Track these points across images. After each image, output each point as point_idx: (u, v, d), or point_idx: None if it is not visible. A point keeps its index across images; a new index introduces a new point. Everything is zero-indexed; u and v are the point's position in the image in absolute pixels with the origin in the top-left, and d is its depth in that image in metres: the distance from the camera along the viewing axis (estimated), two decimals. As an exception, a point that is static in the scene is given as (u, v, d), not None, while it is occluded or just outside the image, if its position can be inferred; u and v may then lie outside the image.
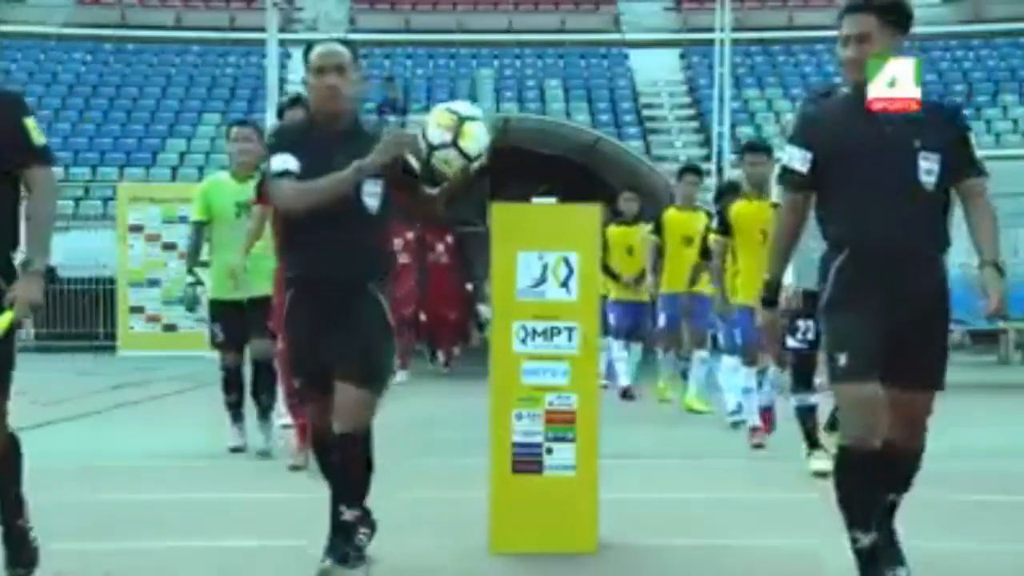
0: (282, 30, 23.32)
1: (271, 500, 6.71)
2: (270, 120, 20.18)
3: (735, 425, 9.36)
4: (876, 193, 4.42)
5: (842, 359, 4.37)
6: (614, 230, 12.21)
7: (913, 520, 4.84)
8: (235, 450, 8.32)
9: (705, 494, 6.91)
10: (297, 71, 29.86)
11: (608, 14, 33.01)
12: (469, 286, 16.62)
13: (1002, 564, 5.26)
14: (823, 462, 6.96)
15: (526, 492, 5.37)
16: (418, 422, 10.45)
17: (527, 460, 5.38)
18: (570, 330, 5.38)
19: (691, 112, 28.55)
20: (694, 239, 10.52)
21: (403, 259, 13.38)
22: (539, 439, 5.37)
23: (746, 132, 26.24)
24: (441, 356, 16.07)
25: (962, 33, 30.65)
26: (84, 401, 11.80)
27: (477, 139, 4.98)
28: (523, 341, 5.38)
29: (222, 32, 31.37)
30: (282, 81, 25.23)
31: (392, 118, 27.61)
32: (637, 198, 12.87)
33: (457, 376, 15.15)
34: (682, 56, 30.66)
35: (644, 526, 5.94)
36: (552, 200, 5.80)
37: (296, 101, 9.67)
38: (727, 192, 9.53)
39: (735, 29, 24.37)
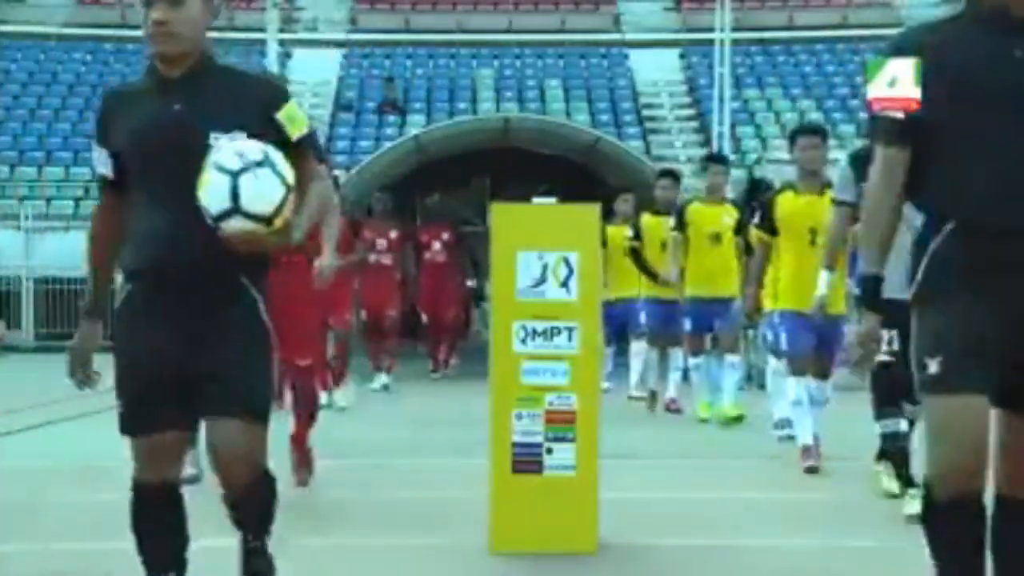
0: (282, 30, 23.35)
1: (271, 500, 6.69)
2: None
3: (783, 440, 8.45)
4: (1008, 151, 3.35)
5: (933, 365, 3.33)
6: (650, 220, 11.20)
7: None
8: None
9: (705, 494, 6.91)
10: (297, 71, 29.93)
11: (608, 14, 33.00)
12: (470, 283, 16.24)
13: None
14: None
15: (526, 492, 5.37)
16: (418, 422, 10.45)
17: (527, 460, 5.37)
18: (570, 330, 5.37)
19: (691, 112, 28.54)
20: (722, 236, 9.98)
21: (384, 260, 13.19)
22: (539, 439, 5.37)
23: (746, 132, 26.29)
24: (441, 356, 15.23)
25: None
26: (84, 401, 11.76)
27: (263, 195, 3.59)
28: (523, 341, 5.37)
29: (222, 32, 31.30)
30: (282, 81, 25.23)
31: (392, 118, 27.63)
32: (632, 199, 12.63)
33: (457, 376, 15.13)
34: (682, 56, 30.64)
35: (644, 526, 5.94)
36: (552, 200, 5.80)
37: None
38: (761, 188, 9.14)
39: (735, 29, 24.37)
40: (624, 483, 6.46)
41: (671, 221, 10.34)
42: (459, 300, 15.89)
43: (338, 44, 31.60)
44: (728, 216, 10.05)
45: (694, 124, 27.96)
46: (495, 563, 5.25)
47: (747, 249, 9.31)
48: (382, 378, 13.20)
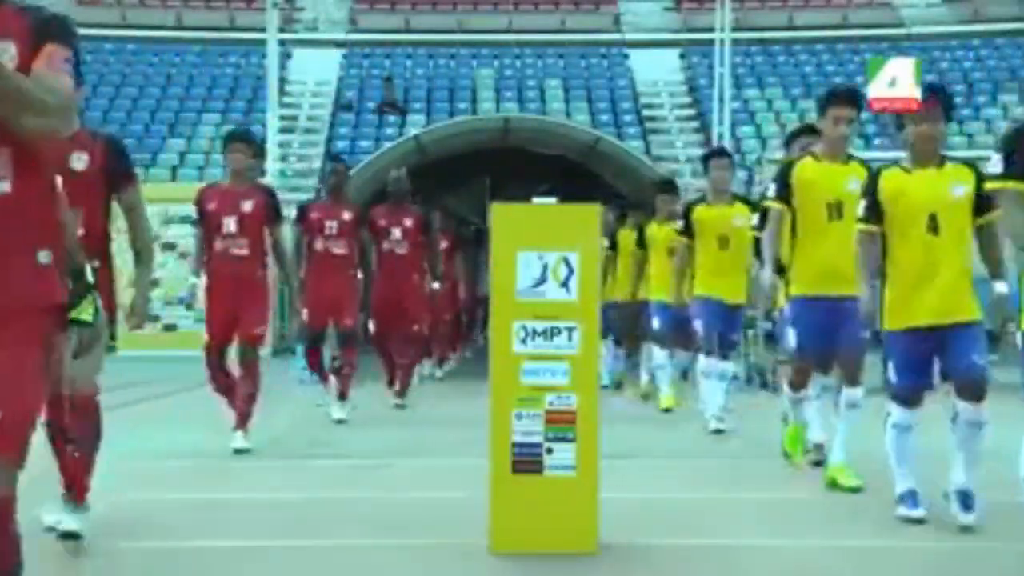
0: (282, 30, 23.33)
1: (271, 500, 6.71)
2: (271, 120, 20.23)
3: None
4: None
5: None
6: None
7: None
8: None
9: (705, 494, 6.91)
10: (297, 71, 29.94)
11: (608, 14, 33.01)
12: (435, 284, 12.35)
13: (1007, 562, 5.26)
14: None
15: (526, 492, 5.37)
16: (418, 422, 10.46)
17: (527, 460, 5.37)
18: (570, 330, 5.37)
19: (691, 112, 28.55)
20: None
21: (338, 249, 10.20)
22: (539, 439, 5.37)
23: (746, 132, 26.29)
24: (398, 375, 11.59)
25: (962, 33, 30.66)
26: (84, 401, 11.78)
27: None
28: (523, 341, 5.37)
29: (222, 32, 31.37)
30: (282, 81, 25.26)
31: (392, 118, 27.65)
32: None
33: (457, 376, 15.15)
34: (682, 56, 30.66)
35: (644, 526, 5.94)
36: (552, 200, 5.79)
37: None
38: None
39: (735, 29, 24.37)
40: (624, 483, 6.46)
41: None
42: (419, 307, 11.70)
43: (338, 44, 31.62)
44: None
45: (694, 124, 27.97)
46: (495, 563, 5.25)
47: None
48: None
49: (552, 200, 5.79)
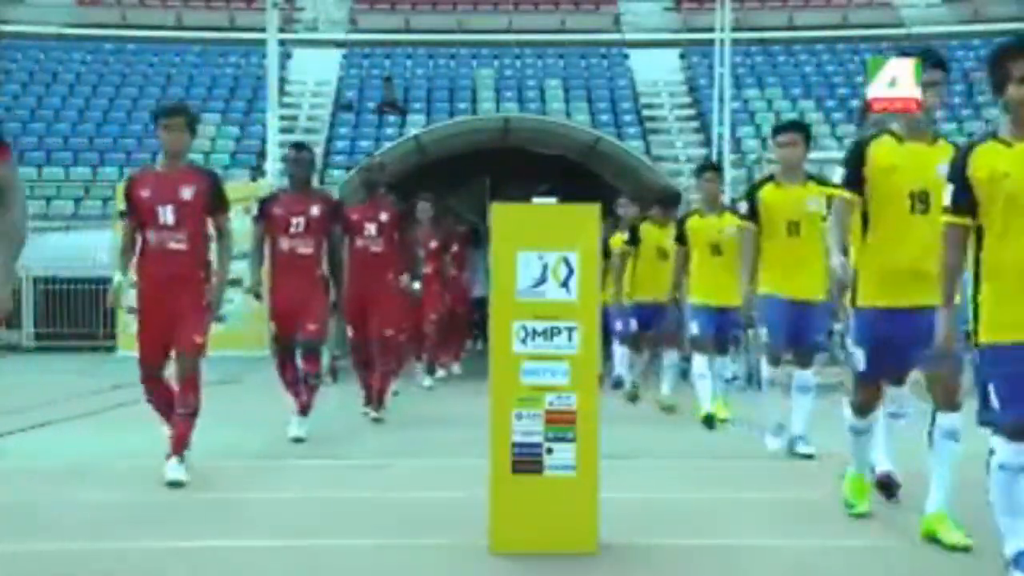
0: (282, 30, 23.32)
1: (271, 500, 6.70)
2: (271, 120, 20.20)
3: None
4: None
5: None
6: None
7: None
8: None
9: (705, 494, 6.91)
10: (297, 71, 29.93)
11: (608, 14, 33.03)
12: (417, 285, 10.69)
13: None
14: None
15: (526, 492, 5.37)
16: (418, 422, 10.45)
17: (527, 460, 5.37)
18: (570, 330, 5.37)
19: (691, 112, 28.56)
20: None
21: (304, 249, 9.10)
22: (539, 439, 5.37)
23: (746, 132, 26.29)
24: (375, 385, 10.43)
25: (962, 33, 30.67)
26: (84, 401, 11.80)
27: None
28: (523, 341, 5.37)
29: (222, 32, 31.39)
30: (282, 81, 25.26)
31: (392, 118, 27.65)
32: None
33: (457, 376, 15.13)
34: (682, 56, 30.67)
35: (644, 526, 5.94)
36: (552, 200, 5.79)
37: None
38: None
39: (735, 29, 24.35)
40: (624, 483, 6.46)
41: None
42: (394, 310, 10.42)
43: (338, 44, 31.64)
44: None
45: (694, 124, 27.98)
46: (495, 563, 5.25)
47: None
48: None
49: (552, 200, 5.79)
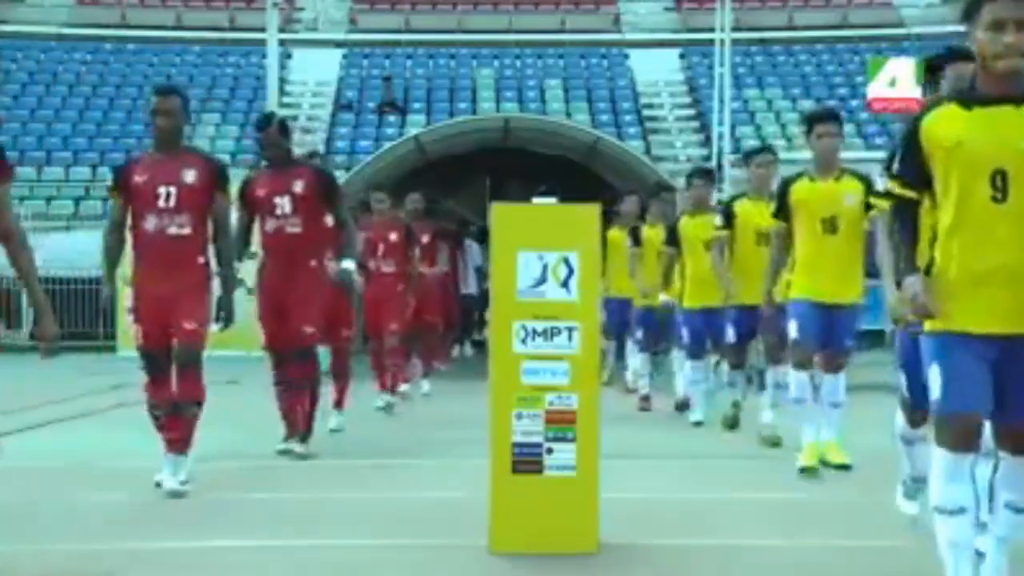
0: (282, 30, 23.34)
1: (272, 500, 6.71)
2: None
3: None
4: None
5: None
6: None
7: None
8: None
9: (705, 494, 6.91)
10: (297, 71, 29.93)
11: (608, 14, 33.03)
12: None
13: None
14: None
15: (526, 492, 5.37)
16: (418, 422, 10.46)
17: (527, 460, 5.37)
18: (570, 330, 5.37)
19: (691, 112, 28.57)
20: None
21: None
22: (539, 439, 5.37)
23: (746, 132, 26.29)
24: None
25: (962, 33, 30.52)
26: (84, 401, 11.80)
27: None
28: (523, 341, 5.37)
29: (222, 32, 31.40)
30: (282, 81, 25.26)
31: (392, 118, 27.65)
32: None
33: (457, 376, 15.13)
34: (682, 56, 30.67)
35: (644, 526, 5.94)
36: (552, 200, 5.79)
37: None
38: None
39: (735, 29, 24.38)
40: (624, 483, 6.47)
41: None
42: (310, 304, 8.17)
43: (338, 44, 31.64)
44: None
45: (694, 124, 27.99)
46: (495, 563, 5.25)
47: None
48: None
49: (552, 200, 5.79)
